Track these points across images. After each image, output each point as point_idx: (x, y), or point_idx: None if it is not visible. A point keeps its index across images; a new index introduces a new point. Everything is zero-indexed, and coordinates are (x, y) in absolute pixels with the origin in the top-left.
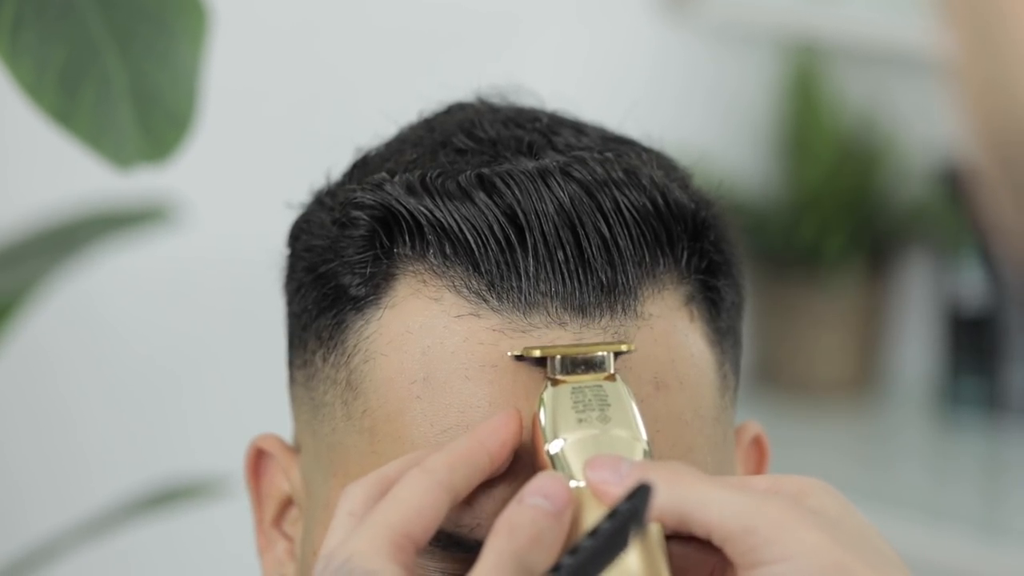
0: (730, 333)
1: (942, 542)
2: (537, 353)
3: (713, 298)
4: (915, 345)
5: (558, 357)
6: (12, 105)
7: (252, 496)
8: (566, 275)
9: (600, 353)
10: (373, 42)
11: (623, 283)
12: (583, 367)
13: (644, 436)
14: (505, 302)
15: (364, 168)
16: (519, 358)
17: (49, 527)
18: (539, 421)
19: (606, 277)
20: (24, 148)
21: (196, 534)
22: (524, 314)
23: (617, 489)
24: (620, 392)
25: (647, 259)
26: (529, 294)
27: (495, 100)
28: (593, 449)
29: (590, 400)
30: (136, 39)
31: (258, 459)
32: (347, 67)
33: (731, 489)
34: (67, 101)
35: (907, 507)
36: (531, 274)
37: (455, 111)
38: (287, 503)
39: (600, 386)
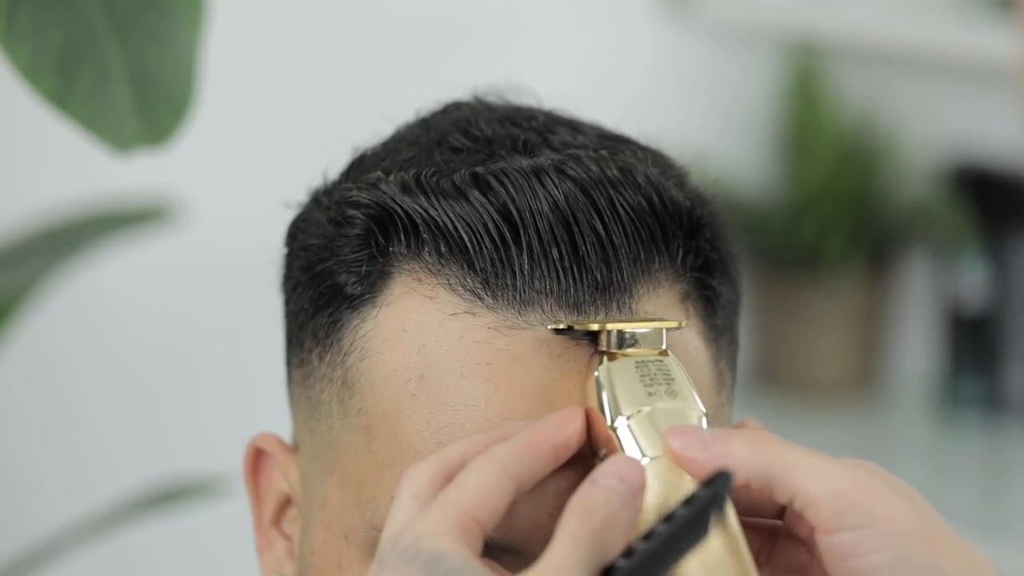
0: (726, 331)
1: None
2: (595, 327)
3: (709, 296)
4: (915, 345)
5: (615, 331)
6: (12, 105)
7: (251, 495)
8: (561, 273)
9: (658, 327)
10: (372, 41)
11: (618, 281)
12: (638, 342)
13: (703, 409)
14: (500, 300)
15: (360, 167)
16: (562, 331)
17: (52, 525)
18: (599, 396)
19: (601, 275)
20: (25, 148)
21: (199, 533)
22: (519, 312)
23: (703, 455)
24: (678, 366)
25: (642, 257)
26: (524, 292)
27: (492, 99)
28: (665, 422)
29: (655, 374)
30: (134, 24)
31: (257, 458)
32: (345, 66)
33: (818, 455)
34: (64, 85)
35: None
36: (526, 272)
37: (451, 110)
38: (286, 502)
39: (661, 360)
